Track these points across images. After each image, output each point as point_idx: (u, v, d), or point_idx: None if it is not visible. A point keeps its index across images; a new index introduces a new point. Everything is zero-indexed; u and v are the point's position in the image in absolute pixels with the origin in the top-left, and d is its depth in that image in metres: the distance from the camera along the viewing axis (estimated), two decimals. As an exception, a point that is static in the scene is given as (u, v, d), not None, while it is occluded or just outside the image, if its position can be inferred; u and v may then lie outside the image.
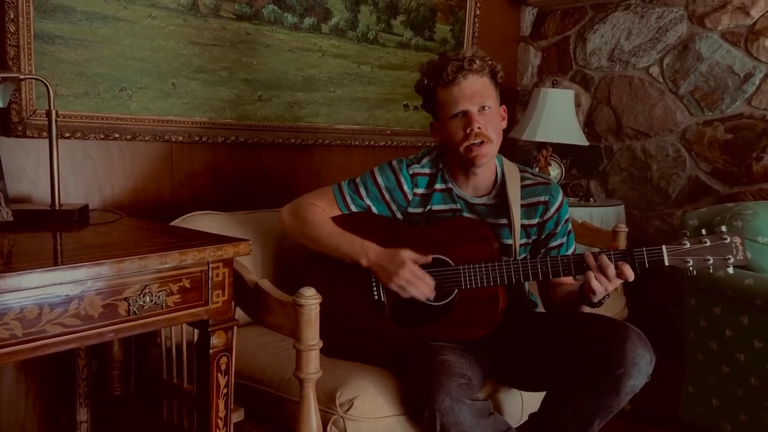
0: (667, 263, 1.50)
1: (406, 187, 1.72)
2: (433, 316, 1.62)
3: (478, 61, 1.63)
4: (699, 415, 2.17)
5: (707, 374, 2.13)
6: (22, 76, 1.64)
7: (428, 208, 1.72)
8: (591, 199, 3.04)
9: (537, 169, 3.02)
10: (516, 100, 3.51)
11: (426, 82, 1.69)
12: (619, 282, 1.51)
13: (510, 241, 1.69)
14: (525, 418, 1.72)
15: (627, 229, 2.40)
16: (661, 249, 1.50)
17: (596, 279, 1.50)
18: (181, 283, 1.24)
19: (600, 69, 3.24)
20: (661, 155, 3.06)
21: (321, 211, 1.71)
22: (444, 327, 1.61)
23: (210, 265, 1.28)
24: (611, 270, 1.49)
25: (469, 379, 1.47)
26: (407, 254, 1.59)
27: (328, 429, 1.45)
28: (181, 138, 2.10)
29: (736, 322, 2.00)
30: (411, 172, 1.73)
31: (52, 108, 1.53)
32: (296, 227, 1.73)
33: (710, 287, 2.07)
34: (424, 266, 1.62)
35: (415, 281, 1.58)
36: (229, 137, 2.22)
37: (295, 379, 1.40)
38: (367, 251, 1.63)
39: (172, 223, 1.81)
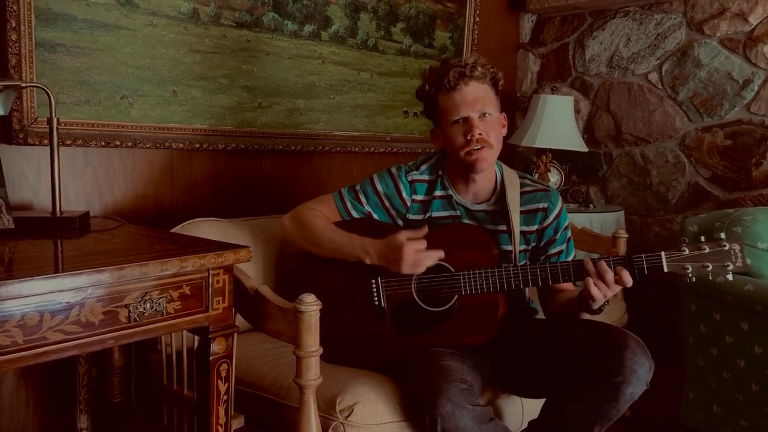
0: (666, 269, 1.51)
1: (404, 194, 1.73)
2: (434, 321, 1.62)
3: (479, 68, 1.64)
4: (699, 421, 2.17)
5: (708, 380, 2.13)
6: (23, 84, 1.64)
7: (428, 215, 1.73)
8: (590, 205, 3.04)
9: (536, 176, 3.03)
10: (515, 107, 3.52)
11: (427, 88, 1.70)
12: (618, 288, 1.51)
13: (509, 248, 1.69)
14: (525, 425, 1.71)
15: (627, 235, 2.41)
16: (660, 255, 1.51)
17: (595, 285, 1.50)
18: (182, 290, 1.24)
19: (599, 75, 3.25)
20: (661, 161, 3.07)
21: (321, 215, 1.72)
22: (444, 333, 1.61)
23: (210, 272, 1.28)
24: (610, 276, 1.49)
25: (470, 385, 1.48)
26: (402, 237, 1.59)
27: (329, 435, 1.45)
28: (181, 145, 2.10)
29: (737, 327, 2.00)
30: (410, 179, 1.74)
31: (53, 115, 1.54)
32: (297, 233, 1.73)
33: (710, 293, 2.07)
34: (423, 272, 1.63)
35: (421, 258, 1.57)
36: (229, 144, 2.22)
37: (295, 386, 1.40)
38: (368, 249, 1.63)
39: (172, 230, 1.81)
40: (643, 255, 1.51)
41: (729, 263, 1.49)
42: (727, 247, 1.50)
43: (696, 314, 2.15)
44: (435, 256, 1.58)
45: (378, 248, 1.62)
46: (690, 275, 1.50)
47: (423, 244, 1.58)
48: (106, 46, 1.89)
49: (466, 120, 1.64)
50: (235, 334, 1.36)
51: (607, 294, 1.51)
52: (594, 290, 1.50)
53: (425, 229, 1.62)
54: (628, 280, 1.49)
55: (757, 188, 2.79)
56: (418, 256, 1.57)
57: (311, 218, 1.71)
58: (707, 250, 1.50)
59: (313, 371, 1.37)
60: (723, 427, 2.08)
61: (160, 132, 2.05)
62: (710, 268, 1.49)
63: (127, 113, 1.97)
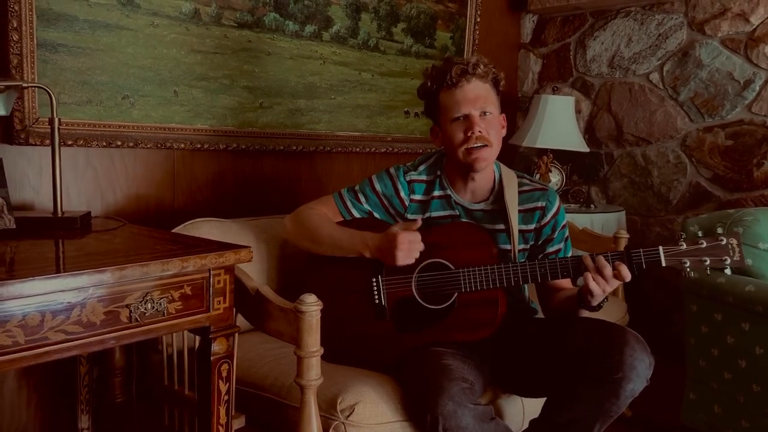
0: (663, 264, 1.51)
1: (402, 194, 1.73)
2: (434, 319, 1.62)
3: (482, 66, 1.65)
4: (700, 422, 2.17)
5: (709, 380, 2.13)
6: (25, 84, 1.64)
7: (427, 215, 1.73)
8: (592, 205, 3.04)
9: (538, 176, 3.03)
10: (516, 107, 3.52)
11: (429, 84, 1.71)
12: (616, 283, 1.52)
13: (508, 247, 1.69)
14: (526, 424, 1.71)
15: (628, 236, 2.40)
16: (658, 250, 1.52)
17: (594, 280, 1.51)
18: (183, 290, 1.24)
19: (600, 76, 3.25)
20: (662, 161, 3.07)
21: (322, 213, 1.73)
22: (444, 330, 1.61)
23: (211, 272, 1.28)
24: (608, 270, 1.50)
25: (471, 384, 1.48)
26: (396, 228, 1.61)
27: (329, 435, 1.45)
28: (183, 145, 2.10)
29: (738, 328, 2.00)
30: (408, 179, 1.74)
31: (54, 116, 1.54)
32: (298, 232, 1.74)
33: (711, 294, 2.07)
34: (421, 270, 1.64)
35: (415, 245, 1.59)
36: (230, 144, 2.23)
37: (296, 386, 1.40)
38: (368, 242, 1.64)
39: (174, 230, 1.81)
40: (641, 250, 1.52)
41: (726, 257, 1.50)
42: (724, 242, 1.51)
43: (697, 315, 2.15)
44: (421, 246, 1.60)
45: (375, 241, 1.63)
46: (688, 269, 1.51)
47: (417, 235, 1.59)
48: (107, 46, 1.90)
49: (467, 117, 1.64)
50: (236, 334, 1.36)
51: (606, 289, 1.52)
52: (593, 285, 1.50)
53: (419, 221, 1.64)
54: (627, 275, 1.50)
55: (759, 189, 2.79)
56: (412, 245, 1.58)
57: (311, 216, 1.73)
58: (704, 245, 1.51)
59: (314, 371, 1.37)
60: (724, 427, 2.08)
61: (161, 132, 2.05)
62: (708, 262, 1.50)
63: (128, 113, 1.97)
